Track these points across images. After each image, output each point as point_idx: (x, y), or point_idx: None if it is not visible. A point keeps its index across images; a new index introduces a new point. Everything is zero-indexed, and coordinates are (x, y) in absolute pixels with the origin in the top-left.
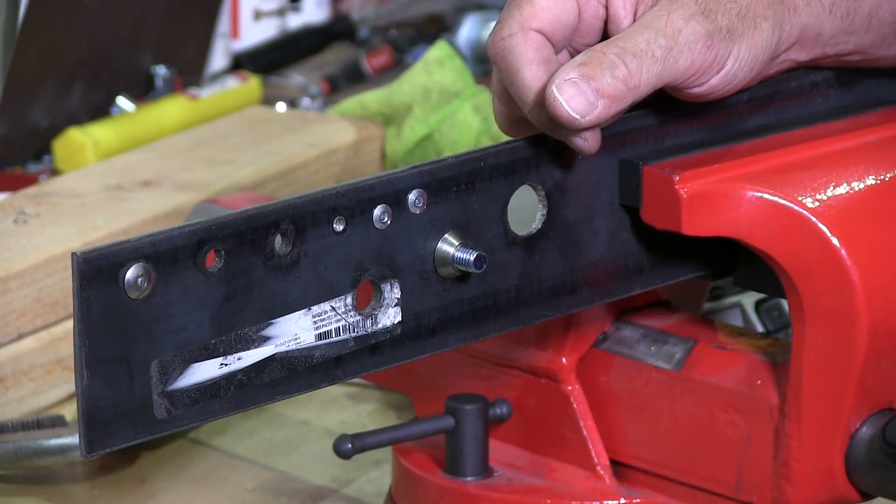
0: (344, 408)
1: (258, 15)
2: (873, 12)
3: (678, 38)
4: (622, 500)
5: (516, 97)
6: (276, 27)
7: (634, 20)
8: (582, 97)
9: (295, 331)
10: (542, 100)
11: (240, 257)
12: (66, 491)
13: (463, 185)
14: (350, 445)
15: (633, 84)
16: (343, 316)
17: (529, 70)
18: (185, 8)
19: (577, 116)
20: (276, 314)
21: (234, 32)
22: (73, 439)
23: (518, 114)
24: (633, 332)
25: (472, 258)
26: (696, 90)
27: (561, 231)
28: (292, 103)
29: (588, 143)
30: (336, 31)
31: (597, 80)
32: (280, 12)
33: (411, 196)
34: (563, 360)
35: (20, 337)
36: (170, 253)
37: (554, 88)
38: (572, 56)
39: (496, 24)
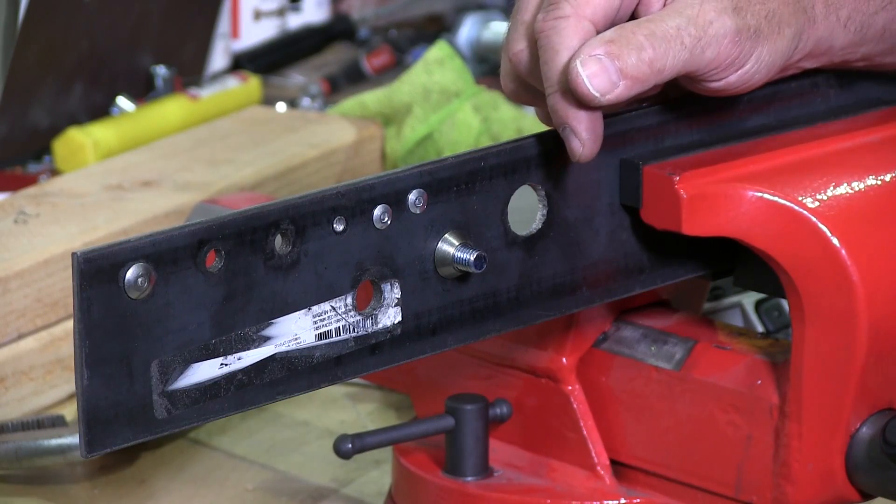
0: (344, 408)
1: (258, 15)
2: (887, 26)
3: (708, 30)
4: (622, 500)
5: (544, 76)
6: (276, 27)
7: (665, 4)
8: (605, 75)
9: (295, 331)
10: (566, 86)
11: (240, 257)
12: (66, 491)
13: (463, 185)
14: (350, 445)
15: (657, 68)
16: (343, 316)
17: (569, 56)
18: (185, 8)
19: (597, 94)
20: (276, 314)
21: (234, 32)
22: (73, 439)
23: (527, 81)
24: (633, 332)
25: (472, 258)
26: (713, 84)
27: (561, 231)
28: (292, 103)
29: (584, 147)
30: (336, 31)
31: (622, 60)
32: (280, 12)
33: (411, 196)
34: (563, 360)
35: (20, 337)
36: (170, 253)
37: (578, 63)
38: None
39: (547, 3)
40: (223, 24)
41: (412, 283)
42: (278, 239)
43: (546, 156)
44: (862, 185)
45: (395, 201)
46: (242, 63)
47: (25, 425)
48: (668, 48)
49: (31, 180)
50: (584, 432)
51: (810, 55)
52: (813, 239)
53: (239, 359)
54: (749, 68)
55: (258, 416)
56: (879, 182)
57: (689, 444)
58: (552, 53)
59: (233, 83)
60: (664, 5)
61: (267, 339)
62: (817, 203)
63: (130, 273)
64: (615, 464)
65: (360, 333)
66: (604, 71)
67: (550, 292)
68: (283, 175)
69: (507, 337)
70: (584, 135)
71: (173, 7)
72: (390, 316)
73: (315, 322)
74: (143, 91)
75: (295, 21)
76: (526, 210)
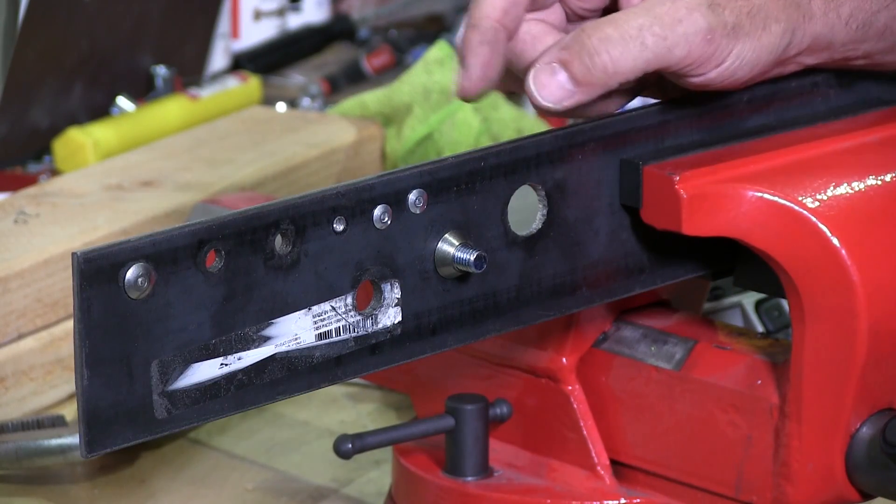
0: (344, 408)
1: (258, 15)
2: (889, 23)
3: (676, 28)
4: (622, 500)
5: (469, 12)
6: (276, 27)
7: None
8: (555, 84)
9: (295, 331)
10: (475, 23)
11: (240, 257)
12: (66, 491)
13: (463, 185)
14: (350, 445)
15: (613, 71)
16: (343, 316)
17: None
18: (185, 8)
19: (550, 104)
20: (276, 314)
21: (234, 32)
22: (73, 439)
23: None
24: (633, 332)
25: (472, 258)
26: (693, 80)
27: (561, 231)
28: (292, 103)
29: (469, 83)
30: (336, 31)
31: (573, 68)
32: (280, 12)
33: (411, 196)
34: (563, 360)
35: (20, 337)
36: (170, 253)
37: (531, 74)
38: (567, 15)
39: None
40: (223, 24)
41: (412, 283)
42: (278, 239)
43: (546, 156)
44: (862, 185)
45: (395, 201)
46: (242, 63)
47: (25, 425)
48: (626, 50)
49: (31, 180)
50: (584, 432)
51: (809, 50)
52: (813, 239)
53: (239, 359)
54: (729, 65)
55: (258, 416)
56: (879, 182)
57: (689, 444)
58: None
59: (233, 83)
60: None
61: (267, 339)
62: (817, 203)
63: (130, 273)
64: (615, 464)
65: (360, 333)
66: (554, 80)
67: (550, 292)
68: (283, 175)
69: (507, 337)
70: (473, 70)
71: (173, 7)
72: (390, 316)
73: (315, 322)
74: (143, 91)
75: (295, 21)
76: (526, 210)
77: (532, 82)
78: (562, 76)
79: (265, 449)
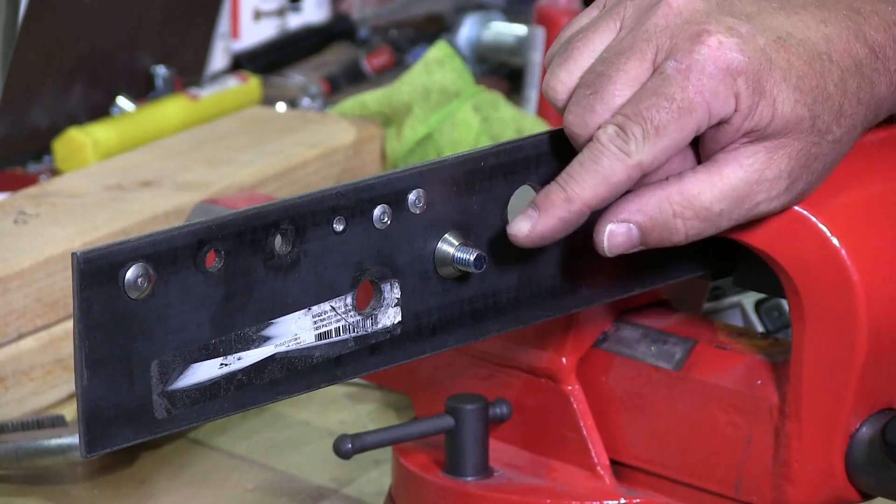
0: (344, 408)
1: (258, 15)
2: None
3: (752, 211)
4: (622, 500)
5: (553, 87)
6: (276, 27)
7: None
8: (627, 243)
9: (295, 331)
10: (571, 198)
11: (240, 257)
12: (66, 491)
13: (463, 185)
14: (350, 445)
15: (683, 240)
16: (343, 316)
17: (593, 115)
18: (185, 8)
19: (609, 253)
20: (276, 314)
21: (234, 32)
22: (73, 439)
23: None
24: (633, 332)
25: (472, 258)
26: None
27: None
28: (292, 103)
29: (530, 234)
30: (336, 31)
31: (650, 238)
32: (280, 12)
33: (411, 196)
34: (563, 360)
35: (20, 337)
36: (170, 253)
37: (606, 229)
38: None
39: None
40: (223, 24)
41: (412, 283)
42: (278, 239)
43: (546, 156)
44: (862, 186)
45: (395, 201)
46: (242, 63)
47: (25, 425)
48: (702, 229)
49: (31, 180)
50: (584, 432)
51: None
52: (813, 239)
53: (239, 359)
54: None
55: (258, 416)
56: (879, 182)
57: (689, 444)
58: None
59: (233, 83)
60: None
61: (267, 339)
62: (817, 203)
63: (130, 273)
64: (615, 464)
65: (359, 333)
66: (627, 239)
67: (550, 292)
68: (283, 175)
69: (507, 337)
70: (539, 232)
71: (173, 7)
72: (390, 316)
73: (315, 322)
74: (143, 91)
75: (295, 21)
76: None
77: (605, 236)
78: (635, 237)
79: (265, 449)
